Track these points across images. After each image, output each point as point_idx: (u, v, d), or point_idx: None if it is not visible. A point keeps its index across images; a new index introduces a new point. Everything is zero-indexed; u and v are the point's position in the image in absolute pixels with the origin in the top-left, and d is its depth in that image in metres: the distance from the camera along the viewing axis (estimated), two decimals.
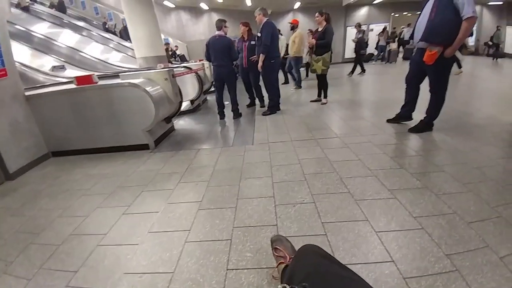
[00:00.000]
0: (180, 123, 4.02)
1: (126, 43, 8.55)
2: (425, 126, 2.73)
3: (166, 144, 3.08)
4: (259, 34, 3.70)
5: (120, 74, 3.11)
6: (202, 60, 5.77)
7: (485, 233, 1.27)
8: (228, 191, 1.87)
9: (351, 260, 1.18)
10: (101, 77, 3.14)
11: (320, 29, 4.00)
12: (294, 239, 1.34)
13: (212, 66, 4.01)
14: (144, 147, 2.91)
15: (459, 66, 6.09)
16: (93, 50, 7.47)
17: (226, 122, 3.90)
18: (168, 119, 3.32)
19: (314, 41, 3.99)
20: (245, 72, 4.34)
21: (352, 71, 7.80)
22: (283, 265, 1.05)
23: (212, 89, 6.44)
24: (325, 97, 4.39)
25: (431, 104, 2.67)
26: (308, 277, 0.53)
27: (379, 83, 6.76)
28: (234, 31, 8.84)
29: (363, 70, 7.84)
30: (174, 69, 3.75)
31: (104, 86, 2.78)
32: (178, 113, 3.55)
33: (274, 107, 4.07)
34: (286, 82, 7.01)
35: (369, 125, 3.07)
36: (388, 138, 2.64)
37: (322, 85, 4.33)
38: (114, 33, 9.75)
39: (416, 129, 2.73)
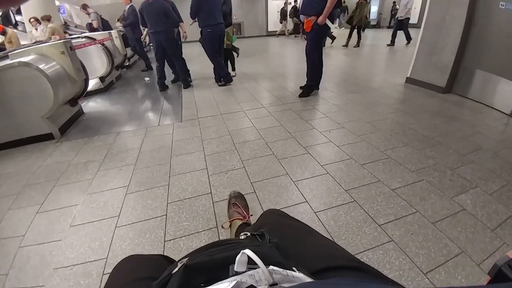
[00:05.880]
0: (91, 105, 3.47)
1: (17, 17, 6.62)
2: (308, 89, 3.25)
3: (75, 131, 2.65)
4: None
5: (9, 53, 2.45)
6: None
7: (376, 171, 1.67)
8: (159, 170, 1.83)
9: (275, 206, 1.40)
10: None
11: None
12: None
13: (148, 34, 3.60)
14: (47, 137, 2.44)
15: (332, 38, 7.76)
16: None
17: (149, 101, 3.59)
18: (73, 101, 2.82)
19: None
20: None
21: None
22: (239, 222, 1.13)
23: (127, 63, 5.77)
24: (233, 69, 4.55)
25: (307, 67, 3.18)
26: (270, 230, 0.59)
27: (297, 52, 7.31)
28: None
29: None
30: (73, 40, 3.12)
31: None
32: (85, 94, 3.05)
33: (227, 76, 3.97)
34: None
35: (290, 94, 3.38)
36: (304, 104, 3.00)
37: (228, 58, 4.42)
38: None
39: (302, 94, 3.23)
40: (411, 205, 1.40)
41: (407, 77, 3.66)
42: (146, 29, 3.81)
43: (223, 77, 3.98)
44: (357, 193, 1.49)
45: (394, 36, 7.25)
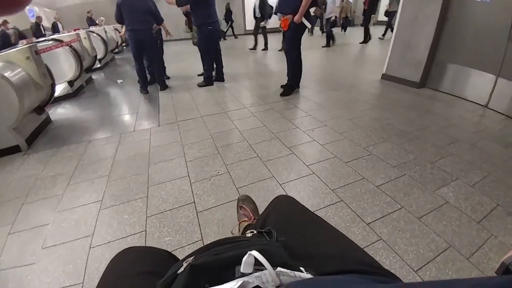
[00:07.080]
0: (59, 112, 3.21)
1: None
2: (289, 88, 3.24)
3: (42, 141, 2.43)
4: None
5: None
6: (78, 29, 4.65)
7: (360, 169, 1.67)
8: (136, 181, 1.71)
9: (261, 212, 1.34)
10: None
11: None
12: (213, 210, 1.41)
13: (126, 32, 3.38)
14: (14, 149, 2.21)
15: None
16: None
17: (123, 104, 3.39)
18: (40, 109, 2.59)
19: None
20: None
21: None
22: (245, 223, 1.13)
23: (98, 65, 5.44)
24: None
25: (288, 66, 3.19)
26: (277, 222, 0.55)
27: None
28: None
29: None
30: (39, 44, 2.86)
31: None
32: (52, 100, 2.81)
33: (209, 78, 3.86)
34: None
35: (270, 94, 3.35)
36: (286, 103, 2.97)
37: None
38: None
39: (284, 93, 3.22)
40: (395, 201, 1.41)
41: (382, 74, 3.76)
42: (124, 26, 3.58)
43: (205, 78, 3.87)
44: (344, 192, 1.48)
45: (329, 36, 6.96)
